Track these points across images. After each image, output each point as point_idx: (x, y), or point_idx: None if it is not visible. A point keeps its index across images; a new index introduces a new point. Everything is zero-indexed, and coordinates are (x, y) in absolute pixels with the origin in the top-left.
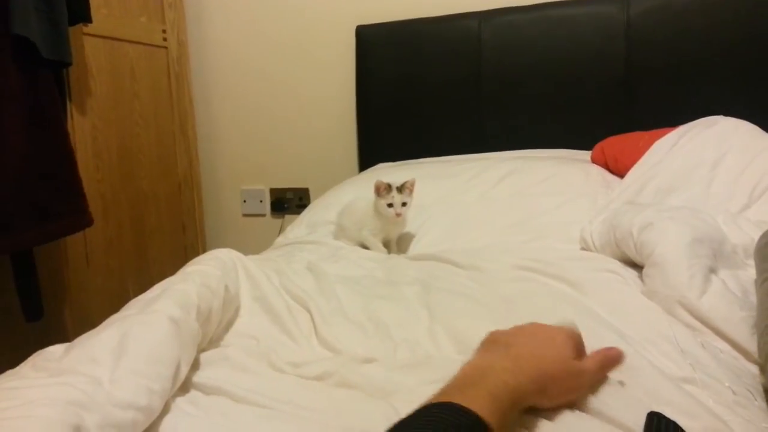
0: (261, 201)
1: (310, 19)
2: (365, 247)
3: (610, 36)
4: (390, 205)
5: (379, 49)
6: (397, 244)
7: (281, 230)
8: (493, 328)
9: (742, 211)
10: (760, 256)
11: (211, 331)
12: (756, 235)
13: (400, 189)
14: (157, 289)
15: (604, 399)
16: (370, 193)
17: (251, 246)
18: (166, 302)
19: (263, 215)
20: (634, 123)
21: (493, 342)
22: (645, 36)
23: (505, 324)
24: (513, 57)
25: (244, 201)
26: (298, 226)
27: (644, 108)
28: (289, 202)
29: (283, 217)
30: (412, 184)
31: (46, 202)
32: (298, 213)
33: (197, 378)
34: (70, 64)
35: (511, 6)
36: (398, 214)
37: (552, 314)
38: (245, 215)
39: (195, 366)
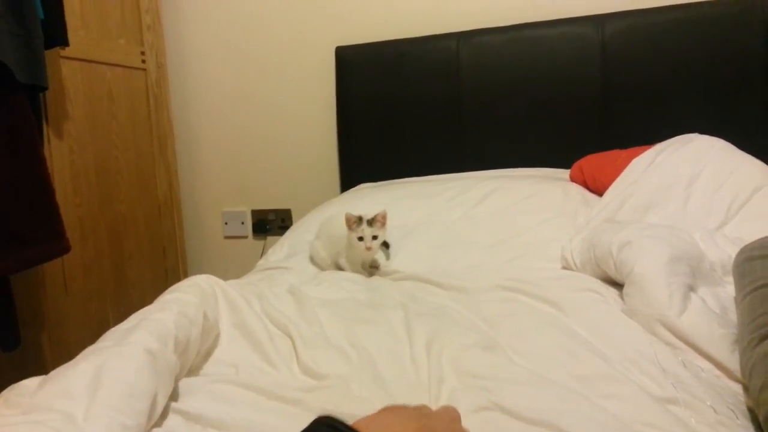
0: (243, 223)
1: (290, 40)
2: (341, 269)
3: (585, 56)
4: (360, 239)
5: (358, 69)
6: (375, 266)
7: (263, 252)
8: (474, 352)
9: (720, 228)
10: (738, 272)
11: (190, 360)
12: (733, 252)
13: (371, 222)
14: (133, 319)
15: (576, 422)
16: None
17: (233, 268)
18: (143, 333)
19: (245, 237)
20: (611, 141)
21: None
22: (620, 55)
23: (486, 345)
24: (492, 77)
25: (226, 223)
26: (281, 247)
27: (621, 126)
28: (271, 224)
29: (266, 238)
30: (384, 217)
31: (21, 228)
32: (281, 234)
33: (176, 407)
34: (46, 88)
35: (489, 27)
36: (368, 248)
37: (533, 335)
38: (227, 237)
39: (174, 395)
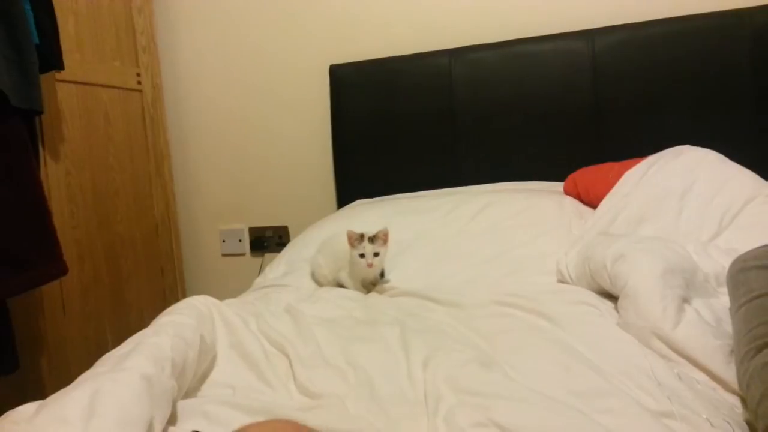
0: (240, 240)
1: (284, 59)
2: (342, 286)
3: (576, 70)
4: (362, 256)
5: (352, 87)
6: (379, 283)
7: (261, 269)
8: (471, 368)
9: (713, 239)
10: (732, 283)
11: (187, 383)
12: (727, 263)
13: (372, 239)
14: (130, 343)
15: None
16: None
17: (231, 286)
18: (139, 358)
19: (242, 255)
20: (603, 154)
21: None
22: (610, 69)
23: (483, 362)
24: (484, 92)
25: (223, 241)
26: (278, 264)
27: (613, 139)
28: (268, 241)
29: (263, 255)
30: (386, 234)
31: (18, 252)
32: (278, 251)
33: (173, 431)
34: (41, 112)
35: (481, 43)
36: (370, 265)
37: (529, 350)
38: (224, 255)
39: (171, 419)
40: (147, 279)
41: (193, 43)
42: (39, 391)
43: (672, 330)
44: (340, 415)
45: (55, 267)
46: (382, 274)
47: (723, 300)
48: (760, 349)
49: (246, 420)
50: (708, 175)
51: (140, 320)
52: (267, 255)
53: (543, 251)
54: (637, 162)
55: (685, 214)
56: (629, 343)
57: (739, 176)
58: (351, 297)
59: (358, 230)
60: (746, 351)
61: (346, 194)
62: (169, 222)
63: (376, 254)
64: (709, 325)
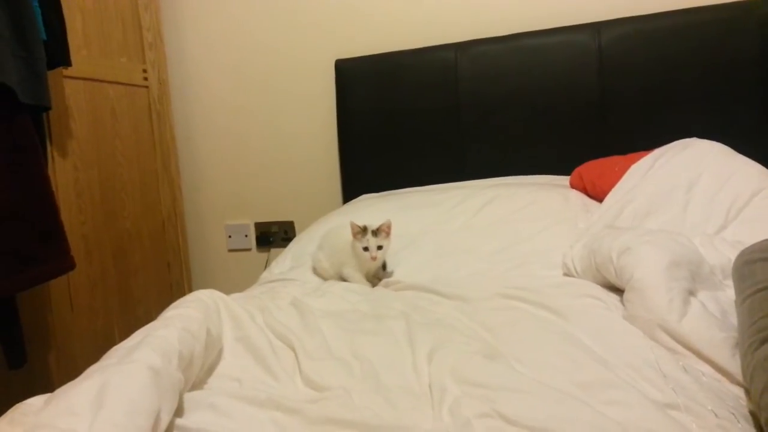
0: (246, 236)
1: (290, 54)
2: (344, 280)
3: (583, 63)
4: (366, 249)
5: (358, 82)
6: (382, 275)
7: (267, 264)
8: (476, 360)
9: (719, 232)
10: (738, 275)
11: (194, 375)
12: (733, 256)
13: (376, 232)
14: (137, 335)
15: (578, 429)
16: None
17: (237, 281)
18: (146, 351)
19: (249, 250)
20: (609, 147)
21: None
22: (616, 62)
23: (488, 354)
24: (490, 86)
25: (229, 236)
26: (284, 259)
27: (619, 132)
28: (274, 236)
29: (269, 251)
30: (388, 227)
31: (26, 247)
32: (284, 246)
33: (179, 423)
34: (49, 108)
35: (486, 37)
36: (373, 258)
37: (535, 342)
38: (231, 250)
39: (177, 411)
40: (154, 274)
41: (199, 39)
42: (47, 385)
43: (678, 322)
44: (346, 407)
45: (63, 262)
46: (384, 266)
47: (729, 293)
48: (763, 341)
49: (253, 412)
50: (714, 168)
51: (147, 315)
52: (273, 250)
53: (549, 245)
54: (644, 155)
55: (691, 207)
56: (635, 335)
57: (745, 169)
58: (357, 291)
59: (362, 224)
60: (750, 343)
61: (351, 189)
62: (176, 217)
63: (379, 247)
64: (714, 317)
